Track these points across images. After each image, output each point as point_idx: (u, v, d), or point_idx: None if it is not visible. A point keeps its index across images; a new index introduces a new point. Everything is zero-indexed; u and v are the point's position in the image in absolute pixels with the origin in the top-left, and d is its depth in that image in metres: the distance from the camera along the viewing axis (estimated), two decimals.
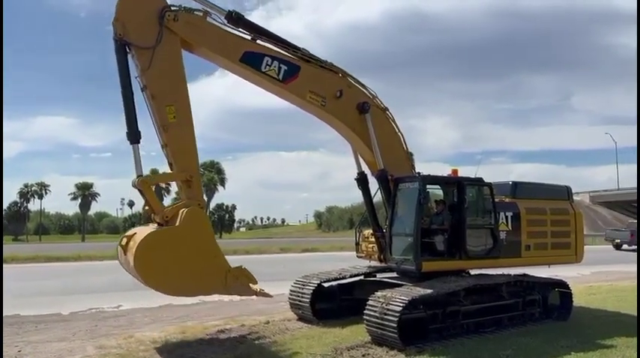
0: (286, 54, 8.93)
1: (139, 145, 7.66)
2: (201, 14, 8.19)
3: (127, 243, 7.50)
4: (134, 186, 7.52)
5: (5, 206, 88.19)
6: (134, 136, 7.59)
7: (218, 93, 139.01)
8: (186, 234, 7.32)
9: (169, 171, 8.04)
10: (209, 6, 8.29)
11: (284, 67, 8.79)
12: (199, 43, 8.32)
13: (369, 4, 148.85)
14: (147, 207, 7.64)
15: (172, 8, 7.85)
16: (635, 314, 10.69)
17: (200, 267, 7.40)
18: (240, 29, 8.60)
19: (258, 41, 8.71)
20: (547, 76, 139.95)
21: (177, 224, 7.29)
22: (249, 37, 8.67)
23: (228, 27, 8.52)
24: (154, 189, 7.86)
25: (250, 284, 7.78)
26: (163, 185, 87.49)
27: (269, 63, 8.68)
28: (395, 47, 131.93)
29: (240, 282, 7.68)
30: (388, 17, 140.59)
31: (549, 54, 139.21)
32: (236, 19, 8.50)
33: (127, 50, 7.60)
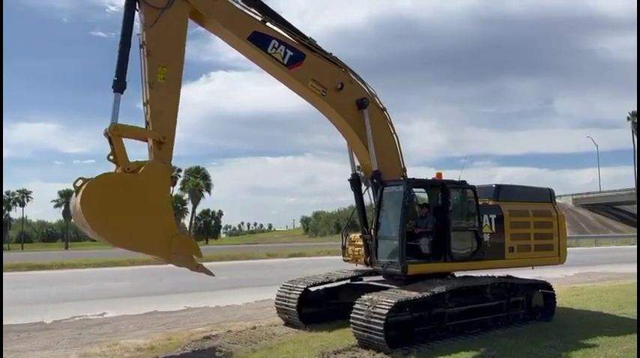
0: (293, 40, 9.10)
1: (124, 96, 7.56)
2: None
3: (81, 185, 6.96)
4: (105, 133, 7.26)
5: None
6: (120, 85, 7.49)
7: (203, 99, 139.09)
8: (141, 185, 7.08)
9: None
10: None
11: (290, 53, 8.95)
12: (211, 14, 8.38)
13: (355, 10, 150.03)
14: (111, 157, 7.24)
15: None
16: (618, 314, 10.87)
17: (147, 222, 7.07)
18: (253, 10, 8.78)
19: (268, 24, 8.87)
20: (529, 80, 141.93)
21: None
22: (259, 19, 8.83)
23: (242, 5, 8.67)
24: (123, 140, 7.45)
25: (195, 256, 7.49)
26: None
27: (276, 46, 8.84)
28: (380, 52, 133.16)
29: (185, 252, 7.36)
30: (373, 23, 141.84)
31: (531, 59, 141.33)
32: None
33: (137, 7, 7.67)
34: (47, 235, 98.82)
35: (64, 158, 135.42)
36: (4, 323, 11.14)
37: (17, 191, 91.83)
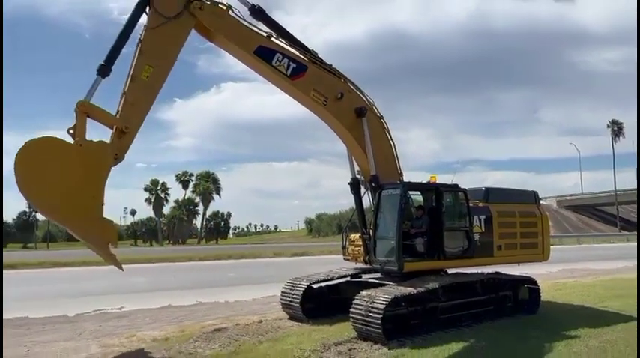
0: (296, 53, 9.10)
1: (102, 81, 7.39)
2: (224, 7, 8.40)
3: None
4: (75, 108, 6.98)
5: (15, 215, 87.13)
6: (104, 70, 7.37)
7: (213, 108, 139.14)
8: (81, 160, 6.66)
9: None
10: None
11: (292, 65, 8.95)
12: (219, 30, 8.43)
13: (353, 25, 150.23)
14: (71, 131, 6.90)
15: None
16: (599, 307, 10.84)
17: (76, 197, 6.58)
18: (260, 23, 8.85)
19: (273, 39, 8.89)
20: (517, 91, 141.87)
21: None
22: (264, 34, 8.84)
23: (248, 21, 8.72)
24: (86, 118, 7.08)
25: (110, 244, 7.11)
26: (162, 195, 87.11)
27: (279, 59, 8.84)
28: (378, 65, 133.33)
29: (103, 235, 6.93)
30: (371, 37, 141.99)
31: (519, 72, 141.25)
32: (258, 11, 8.79)
33: (146, 10, 7.66)
34: (71, 235, 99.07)
35: None
36: (31, 315, 11.21)
37: None
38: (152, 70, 7.56)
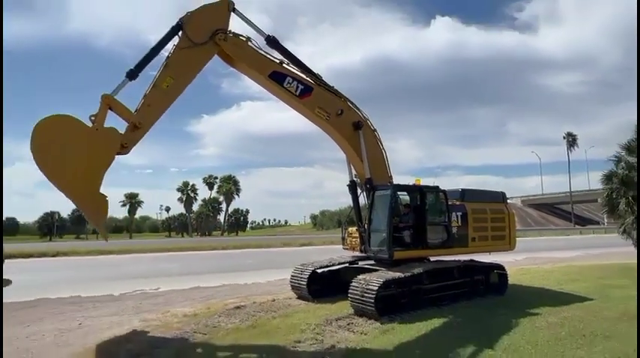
0: (304, 77, 9.06)
1: (130, 83, 7.32)
2: (244, 39, 8.39)
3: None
4: (100, 99, 6.83)
5: (70, 211, 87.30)
6: (133, 74, 7.32)
7: (234, 123, 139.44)
8: (91, 140, 6.41)
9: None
10: (256, 29, 8.55)
11: (301, 87, 8.92)
12: (240, 58, 8.41)
13: (352, 53, 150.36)
14: (92, 117, 6.69)
15: (225, 31, 8.08)
16: (557, 289, 10.77)
17: (80, 171, 6.30)
18: (274, 51, 8.81)
19: (284, 65, 8.86)
20: (487, 108, 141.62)
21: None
22: (277, 61, 8.81)
23: (264, 50, 8.67)
24: (108, 110, 6.92)
25: (100, 216, 6.71)
26: (192, 194, 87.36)
27: (290, 82, 8.83)
28: (373, 86, 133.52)
29: (97, 209, 6.57)
30: (367, 63, 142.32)
31: (490, 92, 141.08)
32: (273, 41, 8.75)
33: (178, 33, 7.64)
34: (116, 228, 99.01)
35: (128, 168, 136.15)
36: (83, 295, 11.24)
37: None
38: (172, 82, 7.50)
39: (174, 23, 7.70)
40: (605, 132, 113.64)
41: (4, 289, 12.26)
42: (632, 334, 6.65)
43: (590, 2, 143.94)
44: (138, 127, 7.09)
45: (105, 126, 6.78)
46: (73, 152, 6.24)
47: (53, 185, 6.13)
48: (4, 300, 10.65)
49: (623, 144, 14.71)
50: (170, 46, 7.66)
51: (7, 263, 22.25)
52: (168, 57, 7.59)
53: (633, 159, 14.50)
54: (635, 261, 16.38)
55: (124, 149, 7.01)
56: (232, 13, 8.29)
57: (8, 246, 37.34)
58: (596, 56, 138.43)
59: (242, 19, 8.41)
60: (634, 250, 14.69)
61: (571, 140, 73.00)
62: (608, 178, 14.80)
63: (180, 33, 7.67)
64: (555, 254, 22.43)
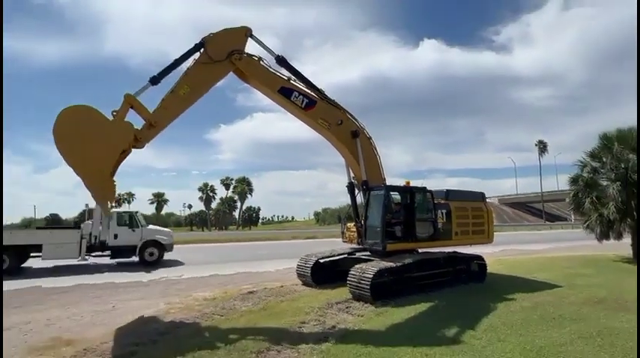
0: (309, 92, 9.06)
1: (153, 88, 7.31)
2: (257, 59, 8.41)
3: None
4: (123, 98, 6.77)
5: None
6: (155, 80, 7.32)
7: (248, 131, 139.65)
8: (108, 130, 6.25)
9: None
10: (267, 50, 8.51)
11: (306, 100, 8.93)
12: (253, 76, 8.41)
13: (351, 72, 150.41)
14: (114, 112, 6.64)
15: (241, 52, 8.09)
16: (529, 278, 10.69)
17: (96, 157, 6.13)
18: (282, 69, 8.79)
19: (291, 81, 8.85)
20: (468, 119, 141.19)
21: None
22: (285, 78, 8.80)
23: (274, 68, 8.66)
24: (129, 108, 6.85)
25: (106, 197, 6.38)
26: (210, 194, 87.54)
27: (296, 96, 8.84)
28: (369, 100, 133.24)
29: (106, 190, 6.30)
30: (363, 79, 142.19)
31: (470, 105, 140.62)
32: (281, 60, 8.73)
33: (200, 50, 7.65)
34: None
35: (156, 171, 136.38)
36: (116, 281, 11.25)
37: (126, 193, 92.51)
38: (188, 90, 7.47)
39: (197, 41, 7.72)
40: (571, 140, 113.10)
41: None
42: (595, 317, 6.64)
43: (558, 27, 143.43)
44: (153, 126, 7.02)
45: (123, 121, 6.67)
46: (91, 138, 6.07)
47: (68, 164, 5.97)
48: (51, 284, 10.68)
49: (588, 151, 14.68)
50: (191, 60, 7.66)
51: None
52: (188, 69, 7.58)
53: (596, 164, 14.46)
54: (597, 253, 16.30)
55: (139, 143, 6.90)
56: (249, 38, 8.31)
57: None
58: (564, 74, 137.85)
59: (256, 42, 8.43)
60: (597, 243, 14.61)
61: (542, 147, 72.74)
62: (574, 180, 14.75)
63: (201, 50, 7.68)
64: (528, 246, 22.30)
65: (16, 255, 12.90)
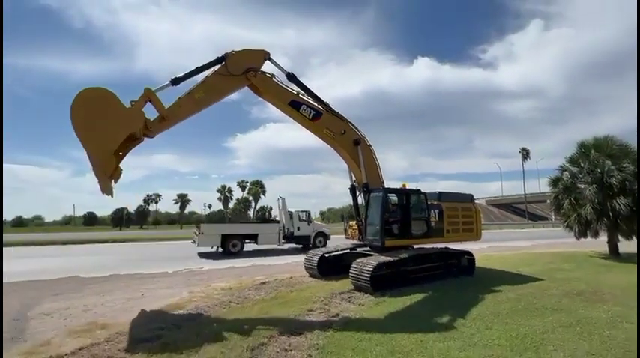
0: (316, 104, 9.02)
1: (172, 88, 7.12)
2: (269, 75, 8.41)
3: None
4: (144, 90, 6.57)
5: (135, 207, 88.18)
6: (176, 82, 7.17)
7: (262, 140, 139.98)
8: (121, 114, 5.97)
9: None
10: (279, 67, 8.45)
11: (313, 112, 8.89)
12: (266, 91, 8.39)
13: (353, 86, 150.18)
14: (132, 102, 6.41)
15: (256, 70, 8.08)
16: (515, 272, 10.57)
17: (105, 134, 5.80)
18: (292, 84, 8.78)
19: (300, 95, 8.85)
20: (458, 128, 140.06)
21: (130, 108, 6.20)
22: (295, 92, 8.80)
23: (285, 84, 8.65)
24: (146, 101, 6.59)
25: (105, 172, 5.90)
26: (228, 195, 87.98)
27: (305, 108, 8.81)
28: (369, 112, 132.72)
29: (106, 166, 5.89)
30: (364, 93, 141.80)
31: (460, 116, 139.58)
32: (291, 76, 8.73)
33: (220, 63, 7.64)
34: (170, 220, 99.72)
35: (180, 175, 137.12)
36: (145, 272, 11.32)
37: (154, 194, 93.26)
38: (203, 95, 7.40)
39: (220, 55, 7.73)
40: (552, 147, 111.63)
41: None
42: (575, 307, 6.53)
43: (539, 46, 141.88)
44: (165, 119, 6.87)
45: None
46: (104, 116, 5.82)
47: (77, 137, 5.70)
48: (87, 274, 10.78)
49: (568, 156, 14.53)
50: (211, 70, 7.67)
51: (90, 246, 22.54)
52: (207, 77, 7.57)
53: (575, 169, 14.28)
54: (576, 250, 16.05)
55: (149, 132, 6.66)
56: (267, 60, 8.29)
57: (90, 235, 37.77)
58: (545, 88, 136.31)
59: (273, 64, 8.46)
60: (575, 241, 14.39)
61: (525, 153, 72.08)
62: (553, 182, 14.60)
63: (222, 63, 7.70)
64: (512, 243, 22.05)
65: (241, 241, 16.74)
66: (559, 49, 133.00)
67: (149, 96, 6.69)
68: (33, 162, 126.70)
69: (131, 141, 6.56)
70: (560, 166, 14.65)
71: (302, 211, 18.80)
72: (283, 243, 17.85)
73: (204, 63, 7.65)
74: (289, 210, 18.66)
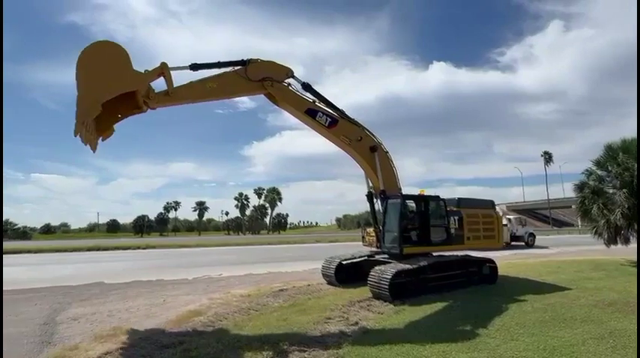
0: (331, 112, 9.05)
1: (192, 73, 7.26)
2: (286, 84, 8.50)
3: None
4: (159, 64, 6.59)
5: (155, 215, 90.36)
6: (195, 68, 7.32)
7: (277, 147, 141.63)
8: (128, 73, 5.87)
9: None
10: (295, 77, 8.54)
11: (329, 119, 8.90)
12: (283, 100, 8.47)
13: (368, 93, 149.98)
14: (145, 71, 6.39)
15: (273, 80, 8.18)
16: (539, 280, 10.17)
17: (103, 86, 5.61)
18: (307, 93, 8.84)
19: (316, 103, 8.89)
20: (476, 132, 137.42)
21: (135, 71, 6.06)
22: (311, 100, 8.86)
23: (300, 92, 8.72)
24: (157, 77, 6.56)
25: (86, 116, 5.45)
26: (245, 202, 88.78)
27: (320, 116, 8.83)
28: (384, 117, 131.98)
29: (89, 111, 5.47)
30: (379, 100, 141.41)
31: (477, 119, 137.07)
32: (307, 86, 8.81)
33: (242, 65, 7.79)
34: (189, 227, 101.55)
35: (198, 183, 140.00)
36: (165, 278, 11.53)
37: (173, 202, 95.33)
38: (215, 87, 7.46)
39: (244, 58, 7.92)
40: (575, 150, 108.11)
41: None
42: (606, 319, 6.21)
43: (559, 47, 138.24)
44: (169, 95, 6.87)
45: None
46: (108, 68, 5.71)
47: (75, 77, 5.52)
48: (111, 280, 11.10)
49: (594, 160, 13.98)
50: (231, 68, 7.80)
51: (113, 253, 23.21)
52: (225, 72, 7.69)
53: (602, 173, 13.72)
54: (606, 257, 15.32)
55: (149, 101, 6.52)
56: (290, 77, 8.43)
57: (114, 241, 38.95)
58: (566, 90, 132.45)
59: (294, 79, 8.53)
60: (604, 248, 13.74)
61: (547, 157, 69.91)
62: (579, 188, 14.04)
63: (244, 66, 7.86)
64: (536, 250, 21.26)
65: None
66: (580, 50, 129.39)
67: (163, 70, 6.64)
68: (60, 171, 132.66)
69: (132, 109, 6.42)
70: (587, 170, 14.10)
71: (519, 218, 26.44)
72: (509, 242, 23.15)
73: (229, 59, 7.78)
74: (515, 216, 25.87)
